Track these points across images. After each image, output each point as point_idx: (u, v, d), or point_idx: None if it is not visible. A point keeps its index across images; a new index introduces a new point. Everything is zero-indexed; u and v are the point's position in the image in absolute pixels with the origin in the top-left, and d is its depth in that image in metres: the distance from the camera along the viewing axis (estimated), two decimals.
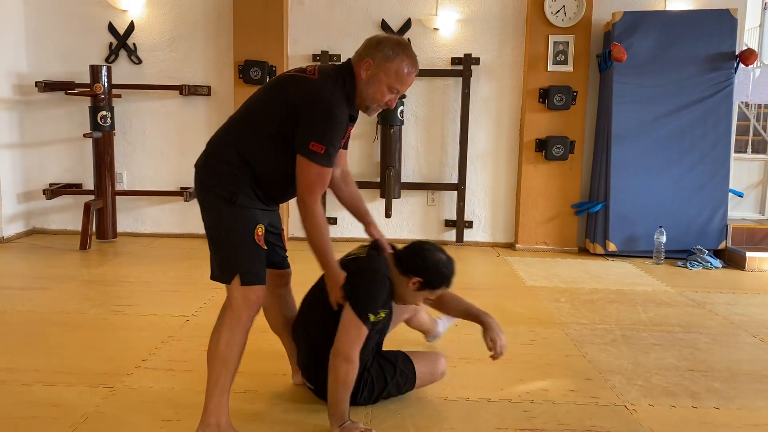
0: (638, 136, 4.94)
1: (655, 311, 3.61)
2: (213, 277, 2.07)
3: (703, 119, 4.91)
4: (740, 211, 5.66)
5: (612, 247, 5.00)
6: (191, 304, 3.48)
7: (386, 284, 2.08)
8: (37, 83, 5.13)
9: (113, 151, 5.12)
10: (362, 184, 4.96)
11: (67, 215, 5.43)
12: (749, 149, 6.25)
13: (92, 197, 5.09)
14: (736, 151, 5.59)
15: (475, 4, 5.23)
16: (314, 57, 5.21)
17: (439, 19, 5.17)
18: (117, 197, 5.22)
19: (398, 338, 2.66)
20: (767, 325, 3.39)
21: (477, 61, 5.22)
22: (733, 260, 4.88)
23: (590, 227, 5.23)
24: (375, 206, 5.16)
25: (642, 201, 4.96)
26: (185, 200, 5.18)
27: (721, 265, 4.80)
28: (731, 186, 5.07)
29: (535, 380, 2.58)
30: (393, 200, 5.22)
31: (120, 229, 5.35)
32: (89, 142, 5.10)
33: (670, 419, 2.27)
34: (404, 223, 5.45)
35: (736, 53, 4.86)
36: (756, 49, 5.88)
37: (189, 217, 5.44)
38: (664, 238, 4.83)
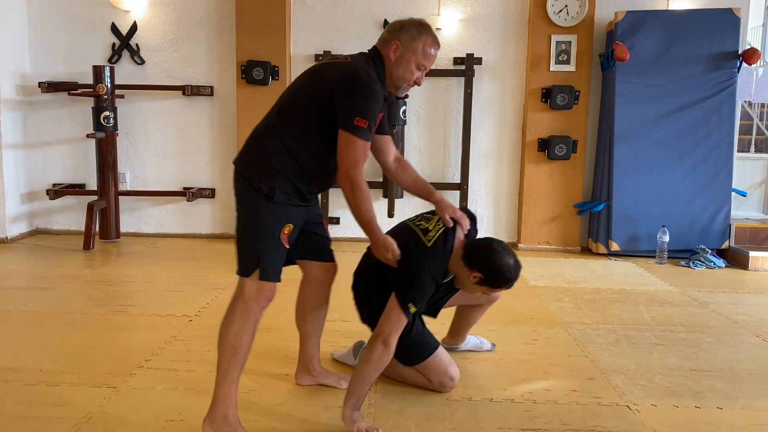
0: (641, 135, 4.93)
1: (658, 311, 3.60)
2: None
3: (705, 118, 4.90)
4: (743, 211, 5.65)
5: (615, 246, 5.00)
6: (194, 304, 3.48)
7: (432, 283, 2.14)
8: (40, 84, 5.14)
9: (116, 151, 5.13)
10: None
11: (71, 215, 5.45)
12: (752, 148, 6.25)
13: (95, 197, 5.10)
14: (739, 151, 5.58)
15: (478, 3, 5.22)
16: (316, 57, 5.21)
17: (441, 18, 5.17)
18: (120, 197, 5.23)
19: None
20: None
21: (479, 60, 5.22)
22: (736, 260, 4.87)
23: (593, 227, 5.22)
24: (378, 206, 5.14)
25: (645, 200, 4.95)
26: (188, 200, 5.19)
27: (724, 265, 4.78)
28: (734, 185, 5.06)
29: (537, 380, 2.58)
30: (396, 200, 5.22)
31: (123, 229, 5.36)
32: (92, 142, 5.11)
33: (673, 419, 2.27)
34: None
35: (739, 52, 4.85)
36: (759, 48, 5.87)
37: (192, 217, 5.45)
38: (666, 238, 4.82)
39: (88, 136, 4.95)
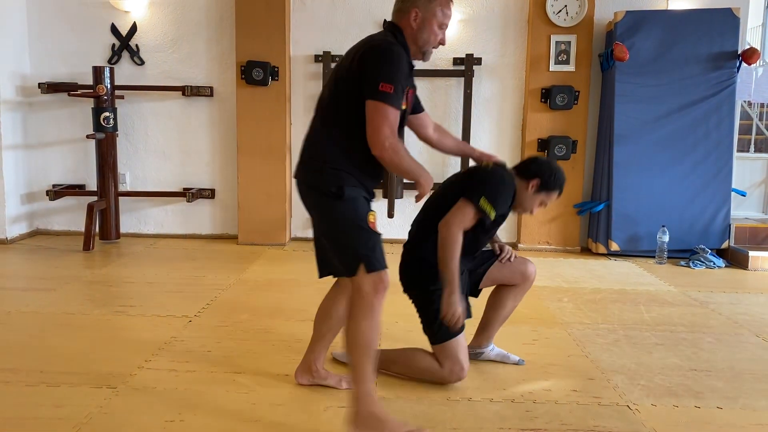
0: (640, 135, 4.93)
1: (658, 311, 3.60)
2: (339, 275, 2.19)
3: (705, 118, 4.90)
4: (743, 210, 5.65)
5: (614, 246, 5.00)
6: (194, 305, 3.48)
7: (509, 186, 2.39)
8: (40, 85, 5.14)
9: (116, 152, 5.13)
10: None
11: (71, 216, 5.45)
12: (752, 148, 6.25)
13: (95, 198, 5.10)
14: (738, 150, 5.58)
15: (477, 4, 5.23)
16: (316, 57, 5.22)
17: None
18: (120, 198, 5.23)
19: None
20: None
21: (479, 61, 5.22)
22: (736, 259, 4.88)
23: (593, 227, 5.23)
24: (377, 206, 5.13)
25: (644, 200, 4.95)
26: (188, 201, 5.19)
27: (724, 265, 4.79)
28: (734, 185, 5.06)
29: (537, 380, 2.58)
30: (395, 200, 5.22)
31: (123, 229, 5.36)
32: (92, 143, 5.11)
33: (673, 419, 2.27)
34: (406, 223, 5.33)
35: (739, 52, 4.85)
36: (758, 48, 5.87)
37: (192, 218, 5.46)
38: (666, 238, 4.83)
39: (88, 136, 4.95)
